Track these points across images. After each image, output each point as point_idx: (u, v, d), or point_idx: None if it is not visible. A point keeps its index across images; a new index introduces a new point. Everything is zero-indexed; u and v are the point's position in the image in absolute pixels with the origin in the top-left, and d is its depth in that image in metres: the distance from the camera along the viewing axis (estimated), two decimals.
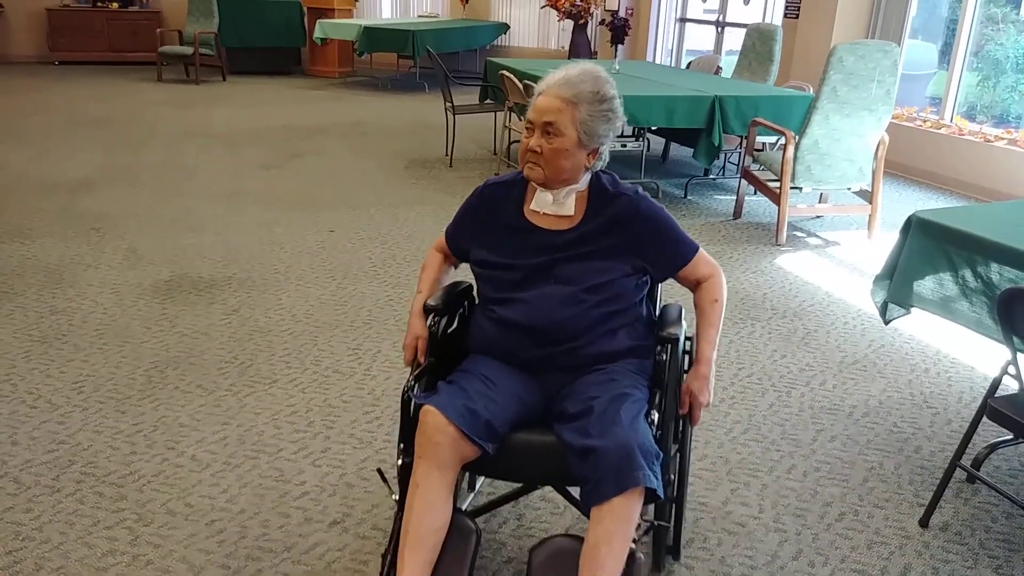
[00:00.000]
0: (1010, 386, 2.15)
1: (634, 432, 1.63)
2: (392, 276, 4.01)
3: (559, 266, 1.85)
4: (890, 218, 5.11)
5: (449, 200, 5.40)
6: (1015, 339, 2.04)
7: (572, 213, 1.87)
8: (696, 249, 1.93)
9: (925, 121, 6.36)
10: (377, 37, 10.00)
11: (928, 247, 2.46)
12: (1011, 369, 2.09)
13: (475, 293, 2.04)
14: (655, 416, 1.74)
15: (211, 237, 4.52)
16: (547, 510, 2.27)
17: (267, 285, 3.85)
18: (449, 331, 1.99)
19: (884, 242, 4.72)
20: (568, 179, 1.85)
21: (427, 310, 1.92)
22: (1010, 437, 2.39)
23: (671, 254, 1.90)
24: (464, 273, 2.08)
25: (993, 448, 2.43)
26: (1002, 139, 5.71)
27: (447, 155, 6.56)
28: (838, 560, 2.10)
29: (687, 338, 1.93)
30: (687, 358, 1.92)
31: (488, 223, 1.95)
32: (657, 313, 1.99)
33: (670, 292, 3.25)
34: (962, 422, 2.77)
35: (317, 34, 10.49)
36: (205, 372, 2.98)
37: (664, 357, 1.81)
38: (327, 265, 4.13)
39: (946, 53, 7.40)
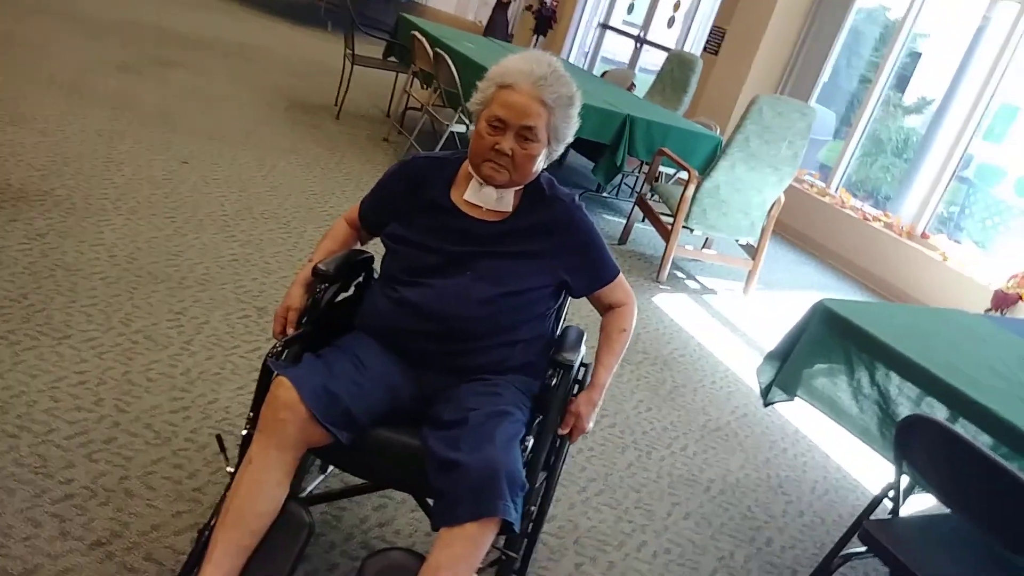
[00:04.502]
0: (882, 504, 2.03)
1: (505, 456, 1.50)
2: (243, 232, 3.51)
3: (479, 260, 1.71)
4: (766, 275, 5.10)
5: (327, 156, 4.90)
6: (904, 465, 1.90)
7: (511, 209, 1.74)
8: (617, 273, 1.85)
9: (812, 186, 6.47)
10: None
11: (828, 340, 2.30)
12: (891, 493, 1.96)
13: (376, 267, 1.85)
14: (530, 442, 1.63)
15: (35, 137, 3.83)
16: (405, 510, 2.07)
17: (90, 211, 3.25)
18: (336, 300, 1.80)
19: (757, 300, 4.69)
20: (525, 181, 1.73)
21: (315, 274, 1.72)
22: (864, 549, 2.28)
23: (594, 272, 1.81)
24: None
25: (847, 559, 2.32)
26: (879, 220, 5.87)
27: (336, 105, 6.02)
28: None
29: (582, 364, 1.79)
30: (577, 387, 1.79)
31: (411, 200, 1.77)
32: (558, 333, 1.87)
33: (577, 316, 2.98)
34: (813, 515, 2.67)
35: None
36: None
37: (554, 382, 1.70)
38: (169, 202, 3.57)
39: (843, 124, 7.62)
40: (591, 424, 1.73)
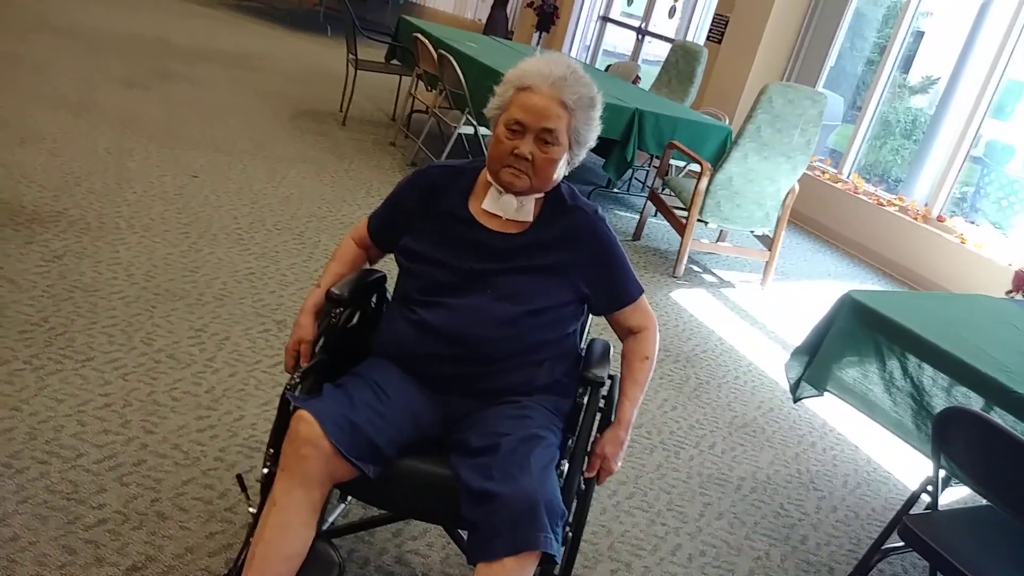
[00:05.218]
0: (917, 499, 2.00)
1: (543, 485, 1.42)
2: (258, 244, 3.49)
3: (499, 277, 1.64)
4: (782, 266, 5.06)
5: (336, 163, 4.88)
6: (942, 458, 1.87)
7: (531, 219, 1.68)
8: (641, 292, 1.77)
9: (824, 172, 6.42)
10: None
11: (857, 332, 2.27)
12: (929, 487, 1.93)
13: (391, 286, 1.79)
14: (565, 467, 1.56)
15: (45, 157, 3.82)
16: (436, 537, 1.96)
17: (104, 230, 3.25)
18: (350, 325, 1.74)
19: (775, 291, 4.66)
20: (546, 188, 1.67)
21: (330, 299, 1.66)
22: (901, 544, 2.25)
23: (616, 288, 1.74)
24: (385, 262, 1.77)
25: (885, 555, 2.29)
26: (894, 204, 5.82)
27: (341, 111, 6.00)
28: None
29: (609, 376, 1.70)
30: (600, 412, 1.69)
31: (425, 211, 1.70)
32: (583, 348, 1.80)
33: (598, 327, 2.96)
34: (847, 510, 2.64)
35: None
36: (2, 334, 2.41)
37: (585, 400, 1.64)
38: (183, 217, 3.56)
39: (851, 108, 7.56)
40: (619, 464, 1.63)
